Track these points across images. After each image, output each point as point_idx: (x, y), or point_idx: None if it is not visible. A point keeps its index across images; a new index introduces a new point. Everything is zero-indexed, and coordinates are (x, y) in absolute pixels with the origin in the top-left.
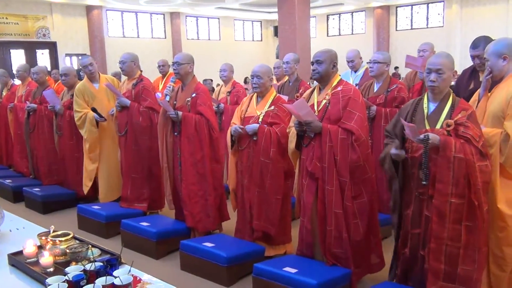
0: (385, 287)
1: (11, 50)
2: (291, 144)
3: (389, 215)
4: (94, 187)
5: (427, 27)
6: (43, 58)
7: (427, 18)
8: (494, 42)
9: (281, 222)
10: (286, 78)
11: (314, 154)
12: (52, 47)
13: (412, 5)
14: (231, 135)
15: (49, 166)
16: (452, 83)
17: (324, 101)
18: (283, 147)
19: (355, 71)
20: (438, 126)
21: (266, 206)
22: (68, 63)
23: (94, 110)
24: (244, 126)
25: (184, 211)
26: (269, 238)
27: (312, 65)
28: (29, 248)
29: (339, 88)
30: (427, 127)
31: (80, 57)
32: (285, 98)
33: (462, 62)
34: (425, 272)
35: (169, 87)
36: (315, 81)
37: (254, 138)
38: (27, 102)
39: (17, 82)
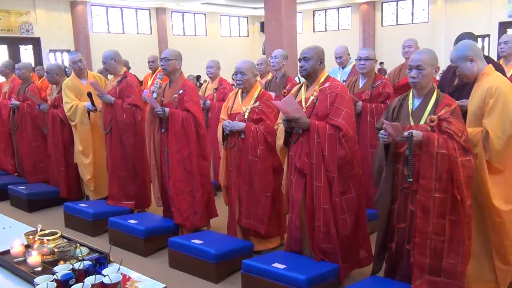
0: (370, 281)
1: None
2: (279, 140)
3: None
4: (79, 185)
5: (412, 23)
6: (26, 54)
7: (412, 14)
8: (454, 49)
9: (272, 217)
10: (270, 75)
11: (302, 150)
12: (35, 42)
13: (397, 1)
14: (223, 130)
15: (33, 164)
16: (438, 78)
17: (311, 98)
18: (270, 144)
19: (343, 68)
20: (422, 122)
21: (255, 204)
22: (52, 59)
23: (89, 95)
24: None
25: (172, 208)
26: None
27: (300, 61)
28: (16, 247)
29: (326, 85)
30: (412, 123)
31: (69, 52)
32: (272, 94)
33: (447, 57)
34: (411, 266)
35: (156, 84)
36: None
37: (242, 136)
38: (11, 99)
39: (0, 79)
